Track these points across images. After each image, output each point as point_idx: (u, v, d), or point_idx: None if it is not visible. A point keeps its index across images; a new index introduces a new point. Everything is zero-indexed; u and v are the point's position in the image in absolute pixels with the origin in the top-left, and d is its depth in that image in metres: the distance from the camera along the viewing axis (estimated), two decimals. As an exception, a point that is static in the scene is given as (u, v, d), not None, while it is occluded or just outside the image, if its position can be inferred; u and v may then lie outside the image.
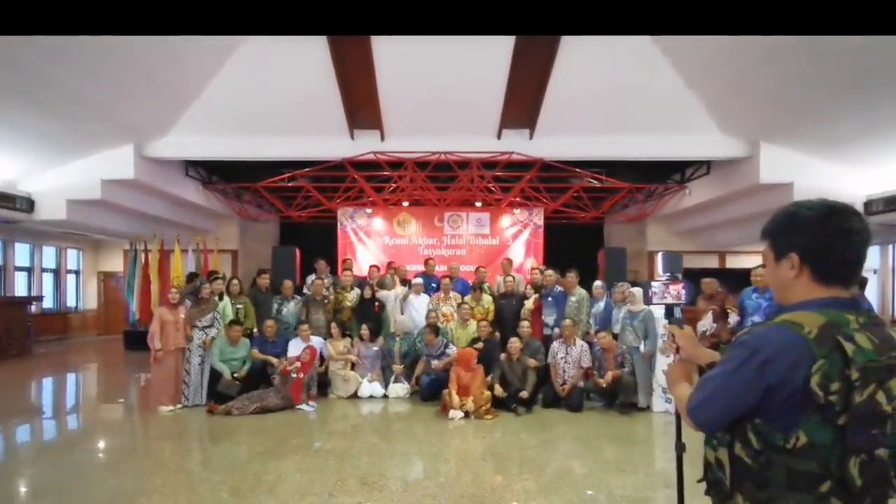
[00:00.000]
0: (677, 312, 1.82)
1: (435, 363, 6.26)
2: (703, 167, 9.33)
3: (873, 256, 10.05)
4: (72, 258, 12.93)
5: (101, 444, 4.90)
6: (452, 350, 6.29)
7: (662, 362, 5.73)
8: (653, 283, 1.91)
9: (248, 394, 5.88)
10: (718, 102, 7.35)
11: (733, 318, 5.42)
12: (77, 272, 13.17)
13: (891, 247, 9.70)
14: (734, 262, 12.09)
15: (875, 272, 9.76)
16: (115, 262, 13.37)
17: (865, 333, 1.08)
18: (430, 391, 6.11)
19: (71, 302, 12.98)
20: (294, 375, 5.97)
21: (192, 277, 8.38)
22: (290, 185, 9.92)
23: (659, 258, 2.70)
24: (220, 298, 6.61)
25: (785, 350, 1.06)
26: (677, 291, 1.91)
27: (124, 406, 6.51)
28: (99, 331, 13.48)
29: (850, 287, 1.15)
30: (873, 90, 5.84)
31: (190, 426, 5.47)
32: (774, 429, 1.08)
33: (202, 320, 6.16)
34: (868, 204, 7.76)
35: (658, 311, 5.84)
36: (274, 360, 6.30)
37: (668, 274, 2.01)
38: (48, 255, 12.18)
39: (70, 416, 6.15)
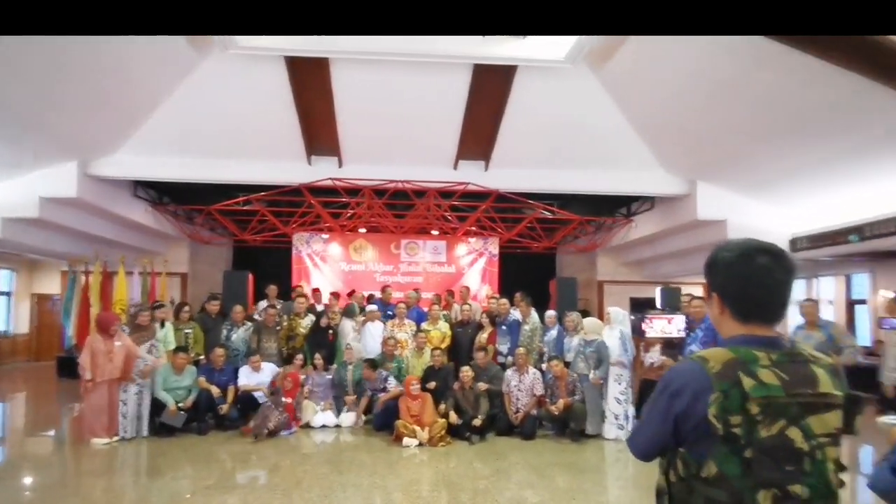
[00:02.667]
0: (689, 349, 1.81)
1: (381, 396, 6.22)
2: (647, 202, 9.83)
3: (799, 289, 10.76)
4: (3, 279, 12.15)
5: (28, 481, 4.59)
6: (392, 384, 6.27)
7: (615, 390, 5.92)
8: (653, 319, 1.90)
9: (256, 414, 5.86)
10: (660, 143, 7.83)
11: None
12: (9, 294, 12.36)
13: (815, 281, 10.43)
14: (677, 293, 12.69)
15: (830, 303, 10.29)
16: (51, 284, 12.64)
17: (774, 370, 1.12)
18: (383, 421, 6.06)
19: (1, 326, 12.13)
20: (284, 401, 5.99)
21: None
22: (244, 208, 9.76)
23: (657, 292, 2.88)
24: (162, 325, 6.38)
25: (689, 382, 1.14)
26: (675, 325, 1.92)
27: (55, 439, 6.12)
28: (30, 357, 12.62)
29: (772, 324, 1.22)
30: (797, 136, 6.38)
31: (126, 460, 5.20)
32: (692, 457, 1.14)
33: (140, 348, 5.92)
34: (794, 241, 8.38)
35: (611, 340, 6.06)
36: (216, 391, 6.11)
37: (666, 308, 2.07)
38: (-24, 276, 11.41)
39: (-7, 450, 5.73)
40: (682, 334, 1.61)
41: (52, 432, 6.41)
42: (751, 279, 1.20)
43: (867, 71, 4.71)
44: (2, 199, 7.89)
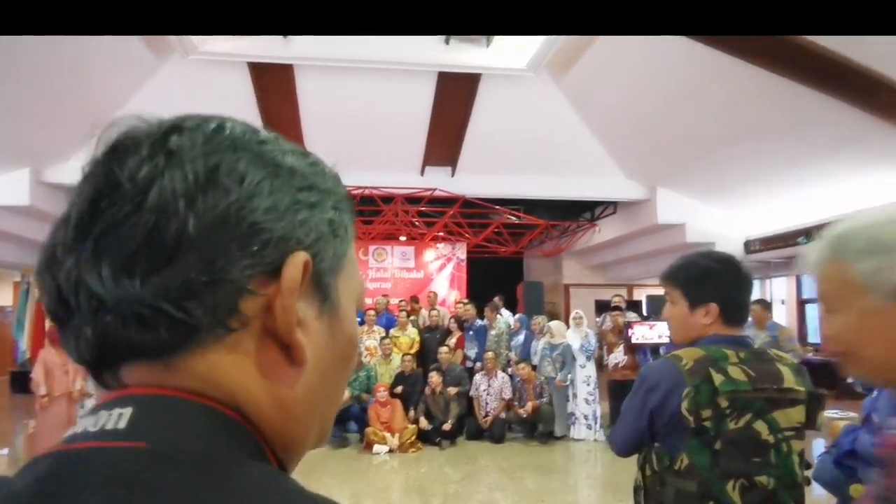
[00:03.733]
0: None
1: None
2: (610, 207, 10.10)
3: (757, 289, 11.21)
4: (-53, 291, 11.55)
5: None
6: (346, 394, 6.18)
7: (583, 391, 6.06)
8: (635, 325, 1.93)
9: None
10: (620, 150, 8.07)
11: (634, 336, 5.86)
12: (-47, 307, 11.75)
13: (768, 281, 10.90)
14: (640, 294, 13.02)
15: (783, 302, 10.77)
16: (2, 296, 12.08)
17: (742, 367, 1.19)
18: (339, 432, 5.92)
19: (-57, 341, 11.52)
20: None
21: None
22: (207, 215, 9.57)
23: (644, 300, 2.88)
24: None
25: (662, 379, 1.24)
26: (658, 332, 1.95)
27: (8, 459, 5.86)
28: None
29: (742, 325, 1.34)
30: (749, 144, 6.69)
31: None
32: (665, 451, 1.21)
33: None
34: (747, 244, 8.75)
35: (576, 344, 6.21)
36: None
37: (652, 315, 2.09)
38: (-83, 289, 10.81)
39: (-61, 473, 5.45)
40: (666, 340, 1.67)
41: (5, 451, 6.14)
42: (740, 286, 1.32)
43: (807, 80, 4.99)
44: (-53, 207, 7.54)
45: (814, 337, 9.47)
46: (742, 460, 1.15)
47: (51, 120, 6.75)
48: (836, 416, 1.66)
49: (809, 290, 10.02)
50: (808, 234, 7.60)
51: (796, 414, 1.23)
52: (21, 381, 9.45)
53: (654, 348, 5.54)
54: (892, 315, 0.70)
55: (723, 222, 8.78)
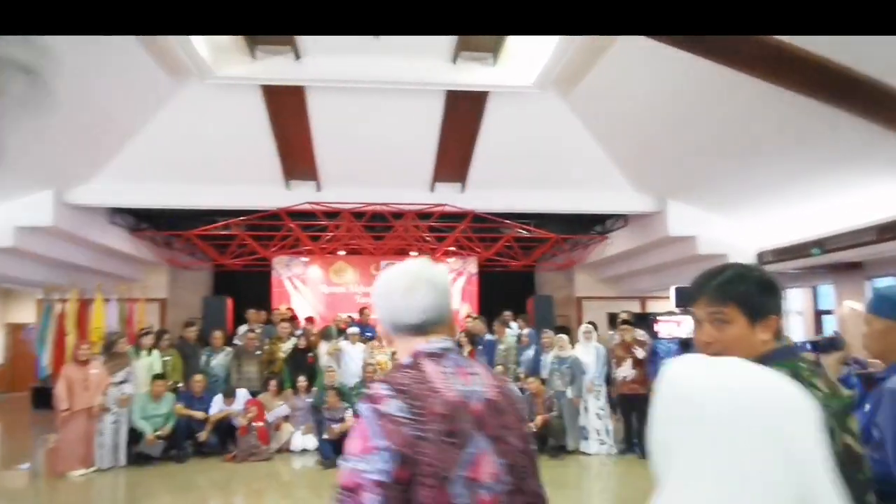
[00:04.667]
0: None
1: (335, 427, 6.03)
2: (621, 220, 10.09)
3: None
4: (-26, 309, 11.92)
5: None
6: (349, 416, 6.06)
7: (594, 406, 6.05)
8: (661, 318, 1.73)
9: (239, 446, 5.90)
10: (630, 163, 8.10)
11: (639, 353, 5.86)
12: (-20, 324, 12.11)
13: (784, 293, 10.74)
14: (653, 307, 12.92)
15: (799, 314, 10.62)
16: (25, 313, 12.42)
17: (816, 378, 1.12)
18: (330, 451, 5.76)
19: (-30, 357, 11.87)
20: (255, 425, 5.99)
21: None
22: (223, 233, 9.78)
23: (672, 292, 2.66)
24: (149, 353, 6.37)
25: None
26: (688, 325, 1.75)
27: (30, 472, 6.02)
28: (3, 388, 12.33)
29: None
30: (760, 155, 6.67)
31: (104, 491, 5.16)
32: None
33: (116, 376, 5.89)
34: (760, 255, 8.66)
35: (586, 357, 6.21)
36: (199, 415, 6.10)
37: (682, 308, 1.95)
38: (-54, 307, 11.18)
39: (-36, 486, 5.62)
40: (693, 334, 1.47)
41: (26, 465, 6.30)
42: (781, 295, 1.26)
43: (815, 93, 5.00)
44: (-25, 228, 7.81)
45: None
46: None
47: (73, 143, 7.01)
48: None
49: (826, 301, 9.87)
50: (820, 244, 7.52)
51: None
52: (42, 397, 9.68)
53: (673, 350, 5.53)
54: None
55: (735, 234, 8.72)
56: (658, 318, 1.83)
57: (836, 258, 7.53)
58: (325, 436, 5.98)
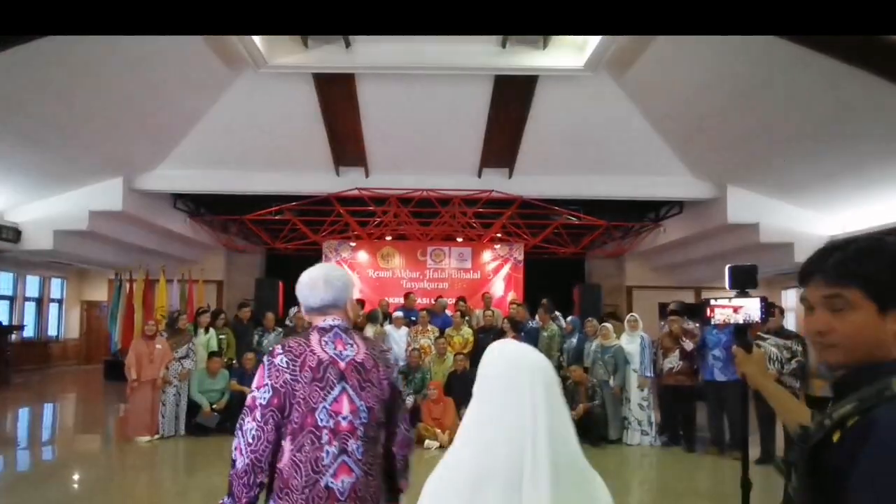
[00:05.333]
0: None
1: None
2: (676, 206, 9.71)
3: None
4: (55, 287, 12.91)
5: (77, 476, 4.93)
6: (410, 401, 6.14)
7: (637, 396, 5.92)
8: (713, 302, 1.55)
9: None
10: (686, 147, 7.76)
11: (687, 345, 5.66)
12: (60, 301, 13.12)
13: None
14: (709, 297, 12.43)
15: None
16: (99, 292, 13.35)
17: None
18: None
19: (52, 331, 12.89)
20: None
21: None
22: (276, 218, 10.13)
23: (726, 271, 2.17)
24: (206, 331, 6.72)
25: None
26: (748, 310, 1.59)
27: (101, 437, 6.51)
28: (79, 360, 13.35)
29: None
30: (828, 138, 6.25)
31: (166, 457, 5.52)
32: None
33: (177, 351, 6.25)
34: (828, 245, 8.13)
35: (630, 346, 6.06)
36: (249, 390, 6.41)
37: (737, 291, 1.65)
38: (31, 285, 12.16)
39: (46, 448, 6.15)
40: (758, 320, 1.31)
41: (99, 431, 6.82)
42: None
43: (884, 71, 4.62)
44: (54, 212, 8.46)
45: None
46: None
47: (140, 133, 7.44)
48: None
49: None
50: (897, 234, 6.98)
51: None
52: (113, 369, 10.43)
53: (727, 347, 5.28)
54: None
55: (802, 220, 8.20)
56: (712, 303, 1.63)
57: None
58: None
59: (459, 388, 6.42)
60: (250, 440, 1.52)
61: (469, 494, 0.94)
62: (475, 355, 7.04)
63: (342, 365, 1.58)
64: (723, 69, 5.83)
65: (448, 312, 8.24)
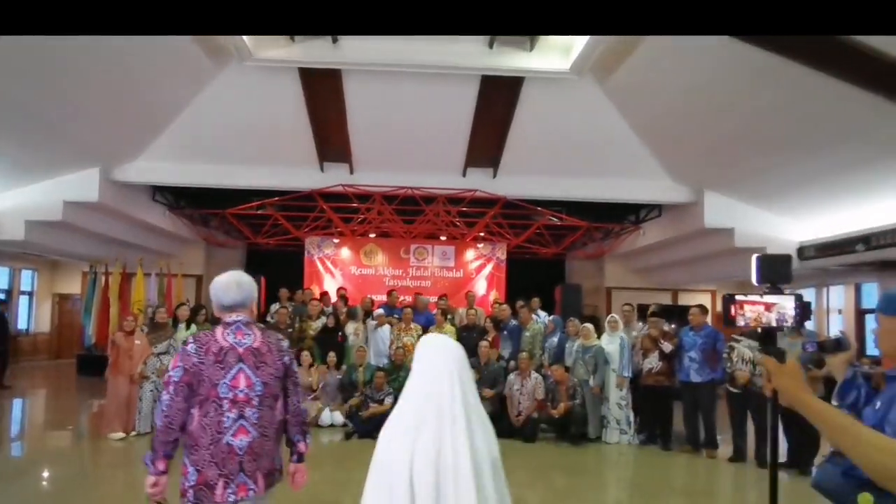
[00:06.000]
0: (793, 344, 1.28)
1: (374, 406, 6.20)
2: (655, 210, 9.90)
3: (808, 298, 10.74)
4: (26, 279, 12.55)
5: (46, 474, 4.82)
6: (388, 401, 6.19)
7: (615, 396, 6.03)
8: (744, 304, 1.38)
9: None
10: (666, 152, 7.92)
11: (666, 347, 5.79)
12: (31, 293, 12.77)
13: (825, 290, 10.40)
14: (686, 300, 12.68)
15: (840, 312, 10.25)
16: (72, 284, 13.03)
17: None
18: (365, 430, 5.91)
19: (22, 324, 12.53)
20: None
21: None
22: (258, 213, 10.02)
23: (753, 262, 1.81)
24: (188, 326, 6.62)
25: None
26: (781, 310, 1.38)
27: (73, 433, 6.37)
28: (50, 355, 13.01)
29: None
30: (801, 147, 6.45)
31: (141, 454, 5.41)
32: None
33: (157, 347, 6.15)
34: (801, 250, 8.39)
35: (610, 346, 6.17)
36: None
37: (767, 285, 1.40)
38: (0, 276, 11.81)
39: (14, 444, 5.99)
40: (791, 322, 1.19)
41: (70, 427, 6.67)
42: None
43: (857, 80, 4.79)
44: (27, 202, 8.22)
45: (873, 349, 8.97)
46: None
47: (118, 123, 7.28)
48: None
49: (870, 300, 9.51)
50: (865, 241, 7.24)
51: None
52: (87, 364, 10.21)
53: (703, 350, 5.43)
54: None
55: (774, 227, 8.46)
56: (738, 299, 1.39)
57: (881, 255, 7.24)
58: (362, 413, 6.16)
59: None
60: (165, 408, 1.97)
61: (413, 431, 1.41)
62: (457, 353, 7.08)
63: (240, 350, 2.04)
64: (702, 78, 5.97)
65: (430, 311, 8.27)
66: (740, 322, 1.44)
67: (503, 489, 1.49)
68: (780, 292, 1.40)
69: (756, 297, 1.36)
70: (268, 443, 2.05)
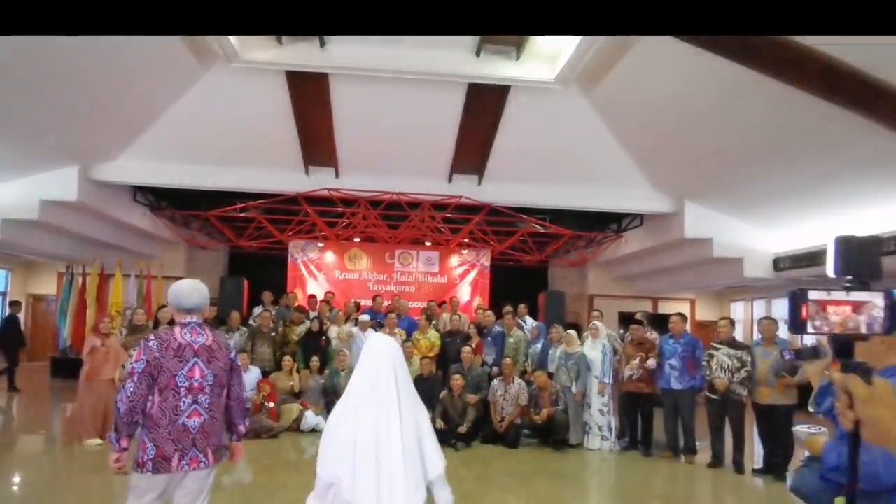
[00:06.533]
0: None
1: None
2: (637, 219, 10.06)
3: (783, 308, 11.00)
4: (-1, 279, 12.24)
5: (18, 479, 4.70)
6: None
7: (598, 402, 6.09)
8: (828, 305, 1.01)
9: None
10: (649, 163, 8.07)
11: (651, 363, 5.89)
12: (4, 294, 12.43)
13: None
14: (665, 308, 12.88)
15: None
16: (47, 285, 12.72)
17: None
18: None
19: (-7, 325, 12.17)
20: (268, 405, 6.17)
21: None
22: (241, 215, 9.93)
23: (830, 247, 1.22)
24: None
25: None
26: (869, 311, 1.05)
27: (45, 438, 6.22)
28: (24, 357, 12.64)
29: None
30: (779, 161, 6.63)
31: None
32: None
33: (135, 349, 6.04)
34: (776, 261, 8.61)
35: (592, 353, 6.23)
36: None
37: (849, 278, 1.08)
38: (-28, 275, 11.50)
39: (-13, 448, 5.83)
40: (882, 329, 0.98)
41: (44, 432, 6.51)
42: None
43: (835, 97, 4.95)
44: (2, 200, 8.02)
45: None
46: None
47: (99, 122, 7.17)
48: (810, 431, 1.72)
49: (842, 311, 9.76)
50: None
51: None
52: (62, 367, 9.98)
53: (683, 358, 5.52)
54: None
55: (751, 238, 8.67)
56: (813, 296, 1.10)
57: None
58: None
59: (425, 391, 6.46)
60: (130, 395, 2.31)
61: (355, 409, 1.86)
62: (441, 359, 7.11)
63: (196, 347, 2.44)
64: (684, 91, 6.11)
65: (411, 317, 8.28)
66: (818, 328, 1.01)
67: (433, 453, 1.91)
68: (866, 288, 1.01)
69: (841, 296, 1.01)
70: (216, 423, 2.48)
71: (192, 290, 2.51)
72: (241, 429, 2.64)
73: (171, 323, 7.08)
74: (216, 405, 2.47)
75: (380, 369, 1.88)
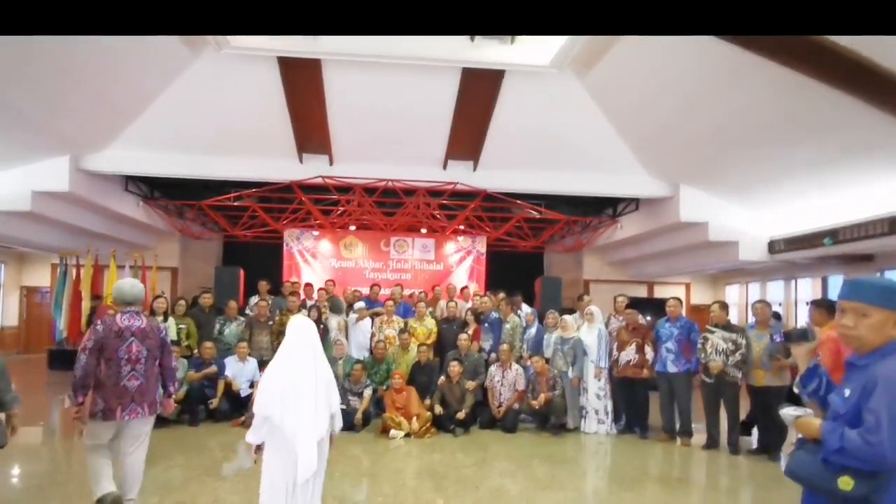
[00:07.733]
0: None
1: (352, 400, 6.19)
2: (632, 203, 10.07)
3: (778, 291, 11.09)
4: (-9, 271, 12.15)
5: (18, 471, 4.71)
6: (367, 394, 6.20)
7: (594, 386, 6.14)
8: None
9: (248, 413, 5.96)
10: (643, 147, 8.05)
11: (649, 353, 5.93)
12: (-4, 286, 12.36)
13: (793, 282, 10.74)
14: (661, 292, 12.96)
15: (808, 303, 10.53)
16: (41, 277, 12.66)
17: None
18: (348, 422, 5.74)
19: (-12, 318, 12.15)
20: None
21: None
22: (235, 204, 9.87)
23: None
24: (165, 319, 6.50)
25: None
26: None
27: (44, 429, 6.23)
28: (19, 349, 12.63)
29: None
30: (773, 144, 6.62)
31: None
32: None
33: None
34: (771, 244, 8.65)
35: (588, 338, 6.26)
36: (210, 371, 6.31)
37: None
38: (-36, 268, 11.41)
39: (-14, 440, 5.82)
40: None
41: (42, 424, 6.51)
42: None
43: (830, 80, 4.94)
44: (-7, 192, 7.94)
45: (837, 340, 9.31)
46: None
47: (89, 110, 7.07)
48: (797, 413, 1.72)
49: (835, 292, 9.85)
50: (833, 235, 7.50)
51: None
52: (58, 358, 9.96)
53: (679, 342, 5.56)
54: None
55: (747, 221, 8.70)
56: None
57: (847, 249, 7.50)
58: (341, 406, 6.13)
59: (422, 378, 6.50)
60: (83, 364, 3.18)
61: (282, 366, 2.72)
62: (438, 346, 7.13)
63: (133, 329, 3.31)
64: (679, 75, 6.08)
65: (408, 302, 8.29)
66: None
67: (334, 396, 2.87)
68: None
69: None
70: (150, 385, 3.36)
71: (132, 288, 3.40)
72: (171, 389, 3.55)
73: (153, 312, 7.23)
74: (151, 372, 3.35)
75: (301, 339, 2.75)
